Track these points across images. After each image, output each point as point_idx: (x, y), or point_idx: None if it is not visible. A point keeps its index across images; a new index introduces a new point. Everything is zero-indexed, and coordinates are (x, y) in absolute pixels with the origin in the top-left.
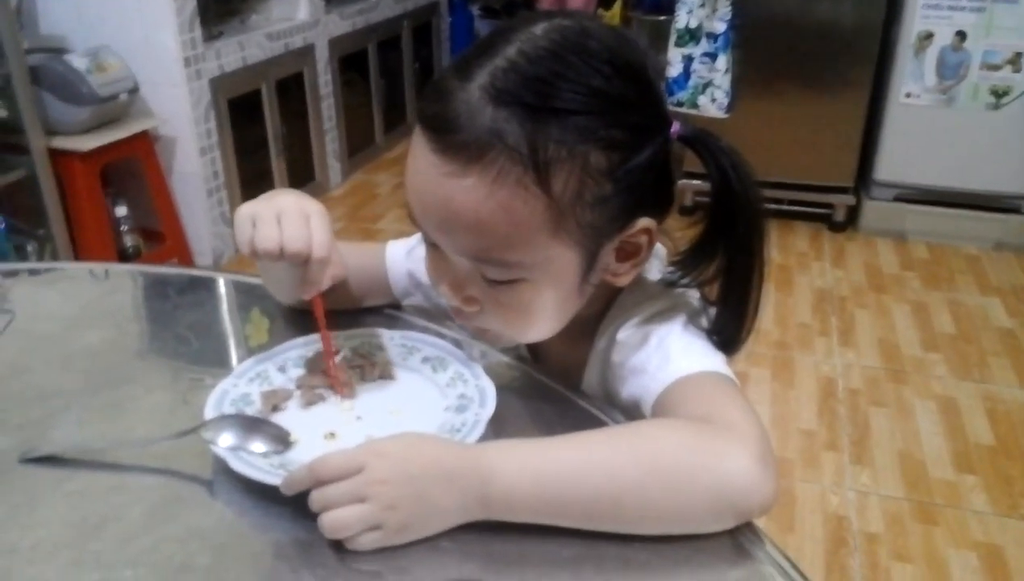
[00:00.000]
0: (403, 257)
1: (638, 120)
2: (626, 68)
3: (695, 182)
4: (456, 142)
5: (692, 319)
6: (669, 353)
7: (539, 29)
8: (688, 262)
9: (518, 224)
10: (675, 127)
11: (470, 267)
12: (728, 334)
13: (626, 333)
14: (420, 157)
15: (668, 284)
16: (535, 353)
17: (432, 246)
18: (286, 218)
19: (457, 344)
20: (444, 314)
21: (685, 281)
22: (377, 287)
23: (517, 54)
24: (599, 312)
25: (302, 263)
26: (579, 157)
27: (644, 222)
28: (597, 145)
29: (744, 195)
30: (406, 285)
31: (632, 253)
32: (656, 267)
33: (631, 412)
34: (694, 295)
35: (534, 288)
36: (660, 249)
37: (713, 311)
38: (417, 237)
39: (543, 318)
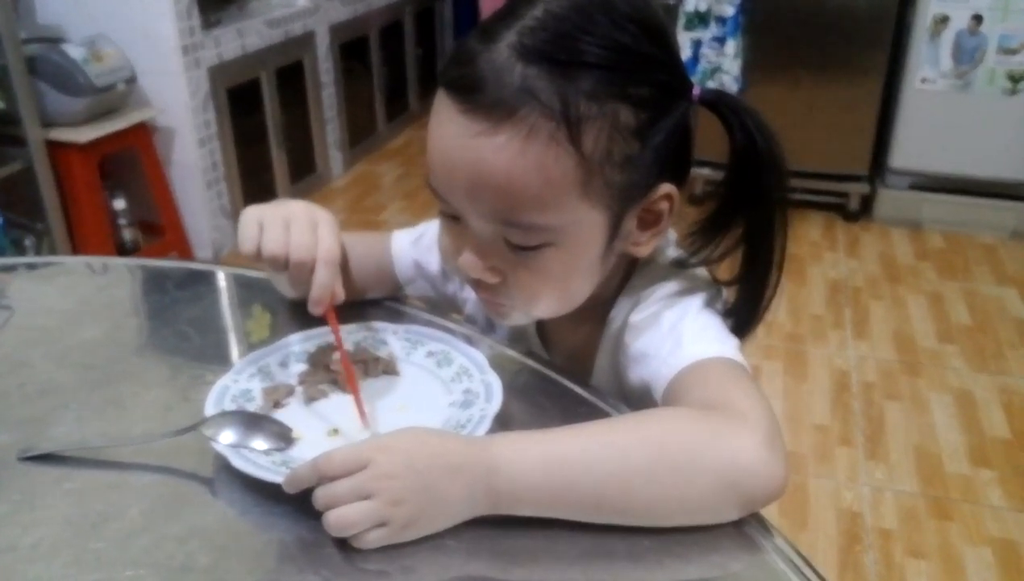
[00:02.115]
0: (408, 246)
1: (664, 79)
2: (650, 27)
3: (705, 171)
4: (486, 101)
5: (708, 302)
6: (681, 337)
7: None
8: (707, 230)
9: (549, 182)
10: (696, 90)
11: (494, 234)
12: (744, 314)
13: (640, 315)
14: (446, 121)
15: (679, 263)
16: (545, 339)
17: (451, 218)
18: (295, 225)
19: (463, 338)
20: (450, 303)
21: (700, 257)
22: (381, 277)
23: (543, 13)
24: (611, 294)
25: (307, 274)
26: (609, 114)
27: (666, 188)
28: (626, 102)
29: (769, 153)
30: (412, 274)
31: (653, 221)
32: (669, 250)
33: (641, 397)
34: (707, 277)
35: (560, 253)
36: (671, 233)
37: (726, 294)
38: (422, 226)
39: (567, 287)
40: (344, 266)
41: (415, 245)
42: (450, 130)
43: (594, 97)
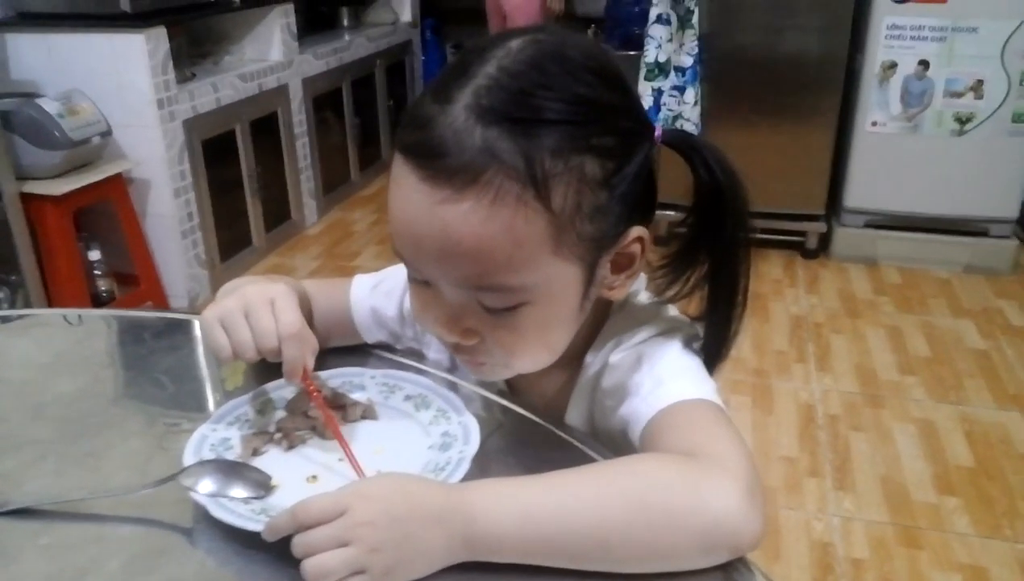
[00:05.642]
0: (367, 293)
1: (626, 125)
2: (607, 75)
3: (669, 213)
4: (447, 166)
5: (687, 344)
6: (662, 377)
7: (514, 44)
8: (674, 268)
9: (520, 244)
10: (658, 131)
11: (468, 299)
12: (710, 350)
13: (619, 356)
14: (407, 188)
15: (654, 303)
16: (514, 390)
17: (420, 283)
18: (253, 313)
19: (440, 381)
20: (411, 351)
21: (670, 293)
22: (343, 325)
23: (498, 71)
24: (585, 340)
25: (278, 354)
26: (575, 168)
27: (637, 231)
28: (591, 154)
29: (731, 190)
30: (369, 323)
31: (626, 264)
32: (641, 294)
33: (617, 439)
34: (686, 319)
35: (537, 310)
36: (642, 276)
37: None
38: (384, 272)
39: (547, 341)
40: (307, 315)
41: (373, 291)
42: (413, 198)
43: (558, 153)
